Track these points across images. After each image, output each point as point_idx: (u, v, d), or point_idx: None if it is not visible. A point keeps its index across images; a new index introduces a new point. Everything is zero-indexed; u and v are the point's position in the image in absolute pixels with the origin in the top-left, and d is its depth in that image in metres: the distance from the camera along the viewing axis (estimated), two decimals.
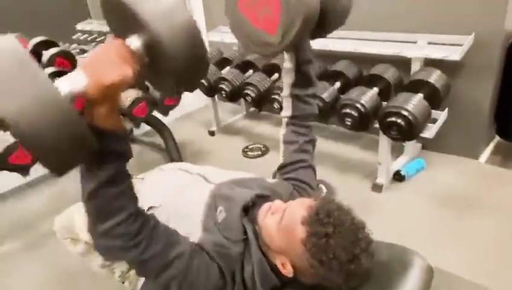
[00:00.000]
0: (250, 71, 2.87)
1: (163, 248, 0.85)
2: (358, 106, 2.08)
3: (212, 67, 2.96)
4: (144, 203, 0.93)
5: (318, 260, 0.81)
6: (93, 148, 0.70)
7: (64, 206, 1.41)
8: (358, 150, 2.77)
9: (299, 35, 0.99)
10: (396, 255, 0.97)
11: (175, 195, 1.08)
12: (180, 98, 2.70)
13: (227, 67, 2.99)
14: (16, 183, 2.61)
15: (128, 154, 0.81)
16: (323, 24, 1.05)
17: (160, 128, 2.81)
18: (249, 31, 1.06)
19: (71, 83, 0.68)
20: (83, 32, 3.55)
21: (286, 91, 1.18)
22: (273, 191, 1.07)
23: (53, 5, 3.36)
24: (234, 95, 2.77)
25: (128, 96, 2.45)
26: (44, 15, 3.22)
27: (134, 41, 0.72)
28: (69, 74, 0.69)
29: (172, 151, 2.79)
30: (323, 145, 2.83)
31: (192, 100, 3.36)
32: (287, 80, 1.16)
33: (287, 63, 1.14)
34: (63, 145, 0.64)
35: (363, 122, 2.12)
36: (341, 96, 2.29)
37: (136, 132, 3.21)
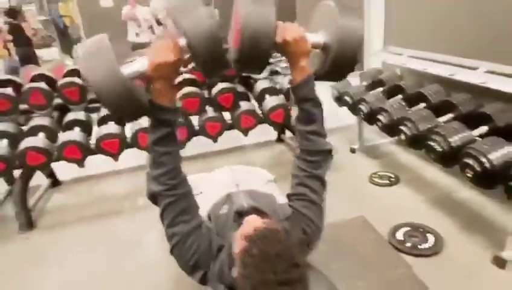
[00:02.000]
0: (399, 96, 2.75)
1: (182, 210, 1.13)
2: (483, 159, 1.77)
3: (356, 87, 3.02)
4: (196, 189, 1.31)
5: (241, 274, 0.90)
6: (145, 110, 1.11)
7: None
8: (500, 208, 2.29)
9: (249, 48, 1.08)
10: None
11: (210, 192, 1.37)
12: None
13: (379, 89, 2.96)
14: None
15: (174, 124, 1.14)
16: (329, 65, 1.16)
17: None
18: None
19: (136, 66, 1.08)
20: None
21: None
22: (272, 209, 1.22)
23: None
24: (370, 118, 2.74)
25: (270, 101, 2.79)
26: None
27: (182, 40, 1.09)
28: (138, 58, 1.12)
29: None
30: (457, 194, 2.51)
31: (346, 116, 3.42)
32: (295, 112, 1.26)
33: None
34: (124, 106, 1.07)
35: (486, 180, 1.80)
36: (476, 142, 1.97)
37: (285, 135, 3.55)
